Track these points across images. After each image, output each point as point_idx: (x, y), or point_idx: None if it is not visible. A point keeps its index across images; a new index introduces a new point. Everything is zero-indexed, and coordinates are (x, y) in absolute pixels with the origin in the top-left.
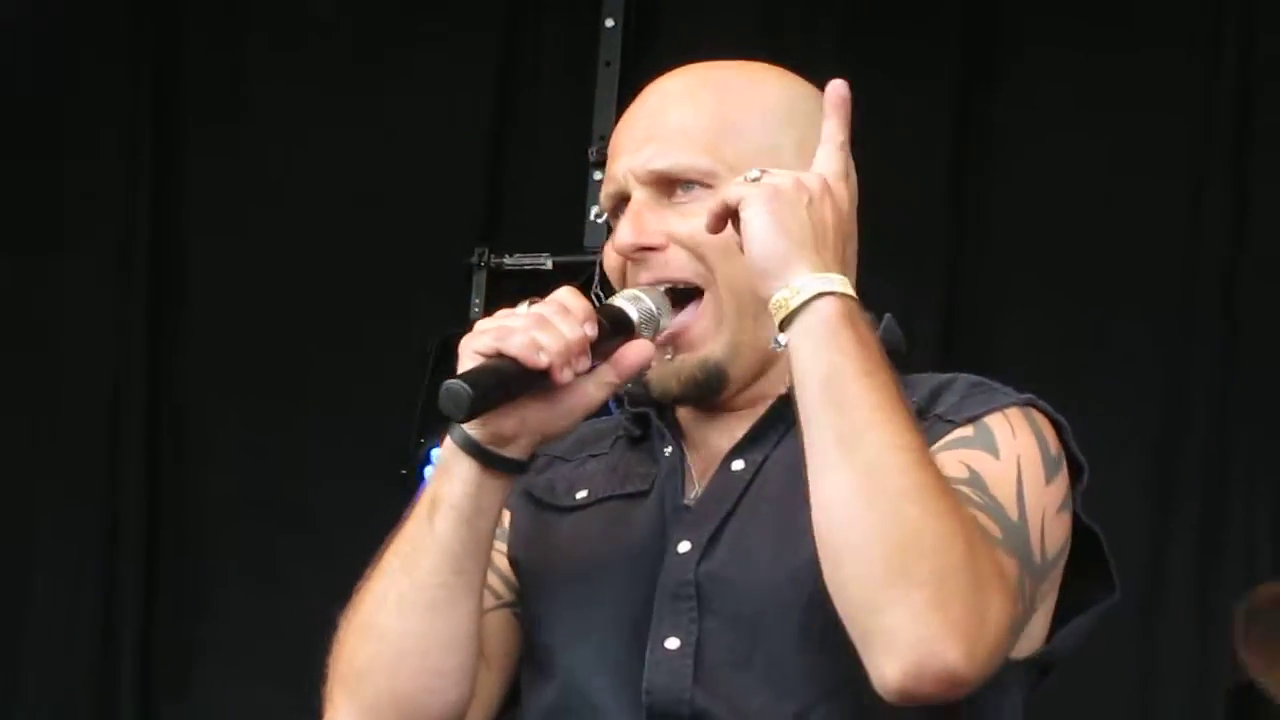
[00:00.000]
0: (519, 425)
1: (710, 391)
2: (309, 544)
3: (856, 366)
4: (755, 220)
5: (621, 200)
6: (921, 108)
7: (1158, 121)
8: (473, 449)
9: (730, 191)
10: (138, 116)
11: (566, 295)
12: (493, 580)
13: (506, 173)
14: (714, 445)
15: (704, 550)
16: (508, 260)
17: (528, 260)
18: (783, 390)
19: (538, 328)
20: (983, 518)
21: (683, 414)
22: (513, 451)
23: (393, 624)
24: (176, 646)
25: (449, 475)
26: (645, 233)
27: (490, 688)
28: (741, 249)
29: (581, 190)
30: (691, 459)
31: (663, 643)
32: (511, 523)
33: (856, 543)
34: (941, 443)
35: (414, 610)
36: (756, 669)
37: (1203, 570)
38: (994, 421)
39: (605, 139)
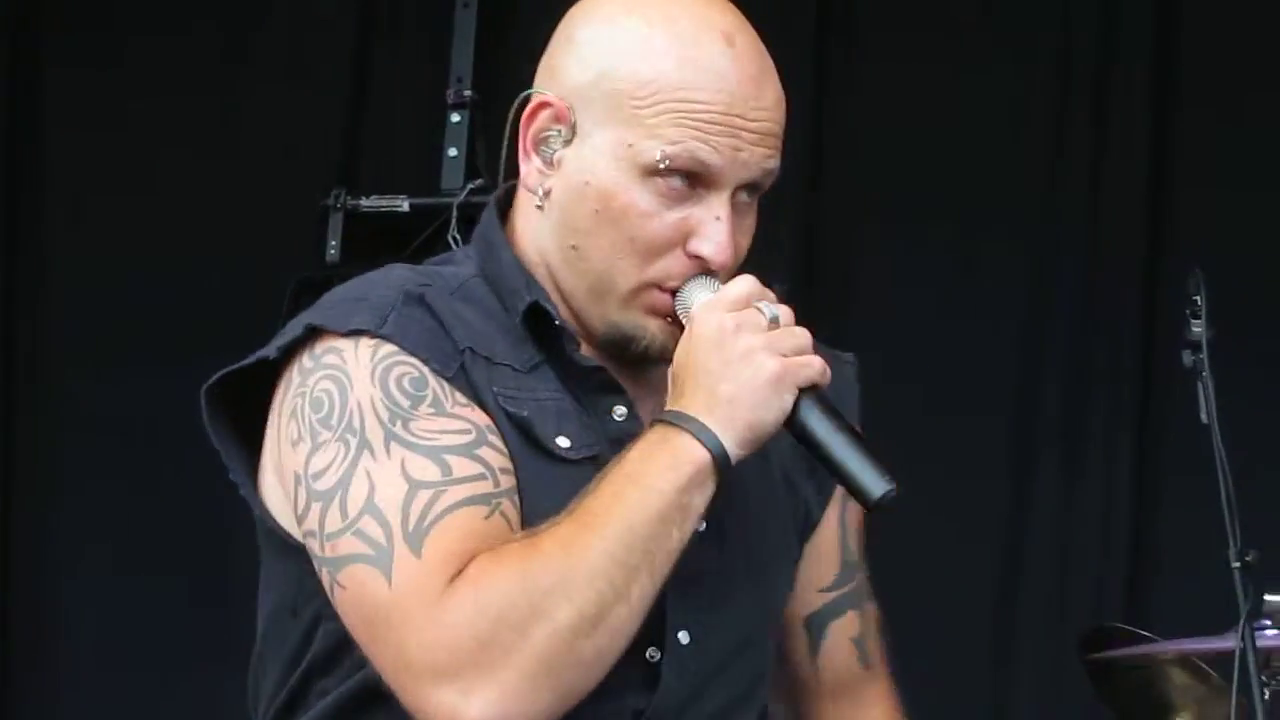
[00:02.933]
0: None
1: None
2: (158, 480)
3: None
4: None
5: (704, 180)
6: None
7: (1018, 51)
8: (727, 468)
9: (700, 311)
10: None
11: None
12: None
13: (363, 114)
14: (658, 400)
15: (718, 538)
16: (364, 202)
17: (384, 202)
18: None
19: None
20: (871, 608)
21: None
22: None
23: (628, 623)
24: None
25: (703, 489)
26: (731, 253)
27: None
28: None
29: (439, 132)
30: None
31: (677, 636)
32: (515, 462)
33: None
34: (841, 495)
35: (644, 613)
36: (739, 676)
37: (1063, 504)
38: None
39: (463, 80)
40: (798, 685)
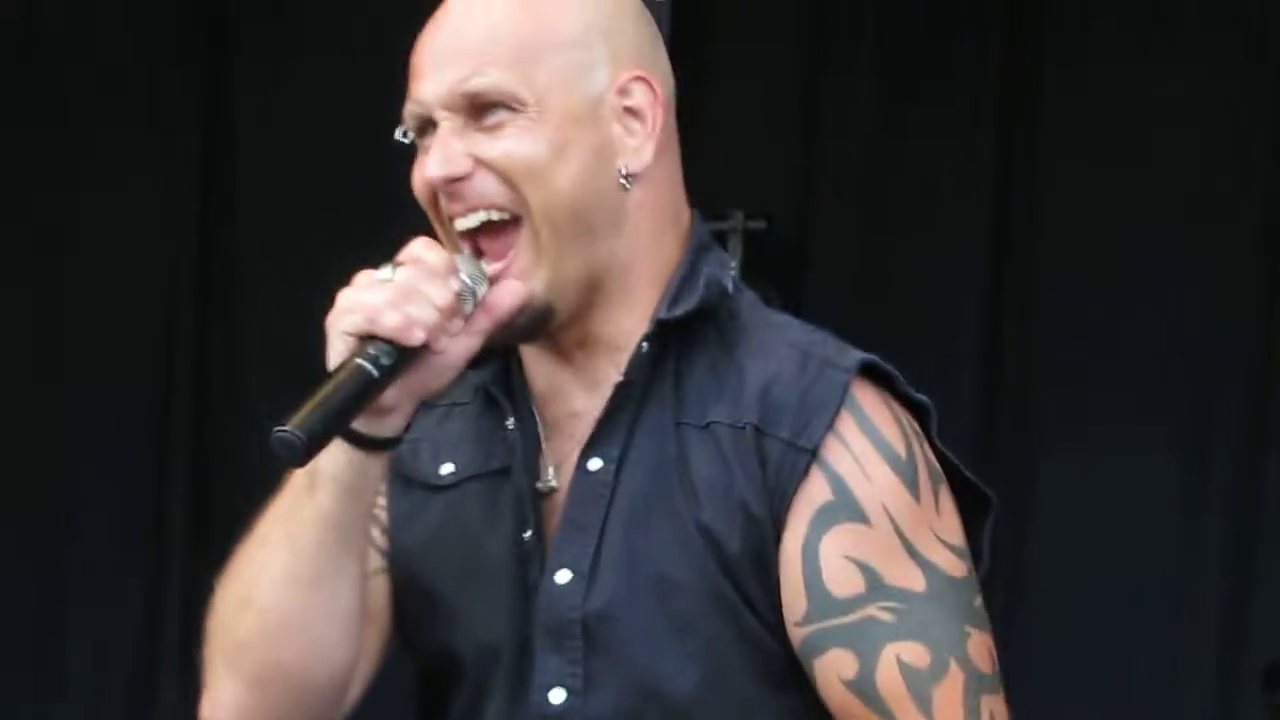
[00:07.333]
0: (397, 396)
1: (540, 327)
2: None
3: None
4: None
5: (427, 123)
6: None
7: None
8: (346, 434)
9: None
10: None
11: (425, 251)
12: (374, 537)
13: None
14: (566, 403)
15: (587, 582)
16: None
17: None
18: (619, 359)
19: (406, 300)
20: (910, 647)
21: (532, 362)
22: (390, 424)
23: (275, 597)
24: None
25: (328, 448)
26: (452, 160)
27: (373, 644)
28: (548, 174)
29: None
30: (545, 430)
31: (547, 696)
32: (388, 499)
33: None
34: (810, 524)
35: (296, 583)
36: (651, 716)
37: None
38: (837, 457)
39: None
40: None
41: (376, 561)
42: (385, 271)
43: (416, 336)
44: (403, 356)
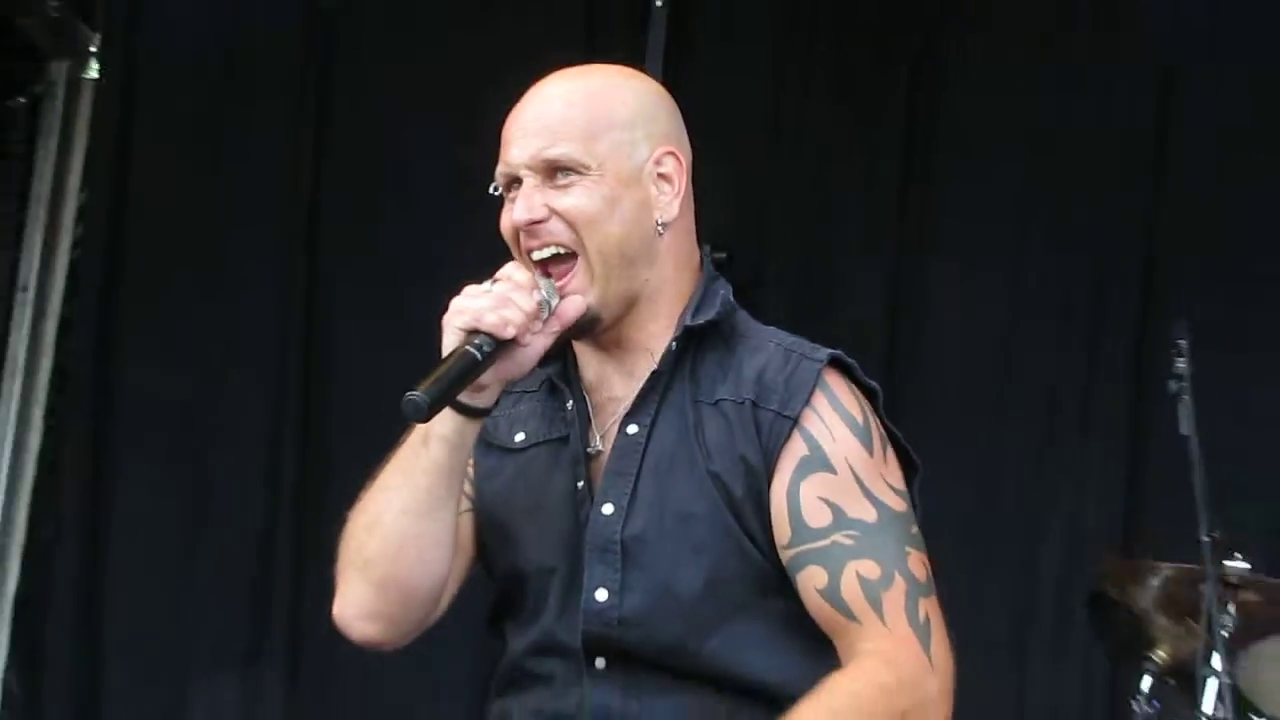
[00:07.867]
0: (491, 378)
1: (589, 330)
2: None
3: None
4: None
5: (514, 181)
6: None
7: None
8: (454, 404)
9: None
10: None
11: (515, 271)
12: (465, 488)
13: None
14: (609, 389)
15: (625, 514)
16: None
17: None
18: (652, 360)
19: (502, 306)
20: (865, 564)
21: (583, 359)
22: (484, 398)
23: (395, 524)
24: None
25: (439, 414)
26: (533, 209)
27: (460, 567)
28: (604, 222)
29: None
30: (593, 409)
31: (594, 594)
32: (475, 459)
33: None
34: (793, 473)
35: (411, 515)
36: (669, 610)
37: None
38: (812, 424)
39: None
40: None
41: (465, 505)
42: (486, 285)
43: (509, 332)
44: (499, 346)
